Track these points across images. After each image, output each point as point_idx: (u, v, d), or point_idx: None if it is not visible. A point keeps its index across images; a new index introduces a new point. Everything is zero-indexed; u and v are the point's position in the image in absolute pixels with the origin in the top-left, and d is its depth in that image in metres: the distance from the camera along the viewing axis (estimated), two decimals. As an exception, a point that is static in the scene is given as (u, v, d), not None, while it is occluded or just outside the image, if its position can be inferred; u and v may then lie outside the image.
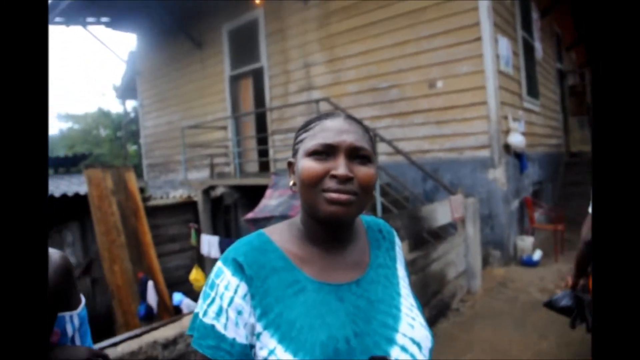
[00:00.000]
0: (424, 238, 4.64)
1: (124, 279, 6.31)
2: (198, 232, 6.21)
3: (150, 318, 5.68)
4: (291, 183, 0.96)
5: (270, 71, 7.84)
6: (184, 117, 9.35)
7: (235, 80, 8.56)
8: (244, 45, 8.25)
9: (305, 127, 0.95)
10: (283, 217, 3.91)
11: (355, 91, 6.68)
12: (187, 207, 7.53)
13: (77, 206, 6.97)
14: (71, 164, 9.95)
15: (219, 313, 0.84)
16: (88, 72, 53.66)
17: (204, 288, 0.91)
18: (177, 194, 7.51)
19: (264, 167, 8.03)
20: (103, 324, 7.11)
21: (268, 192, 4.38)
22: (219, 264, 0.90)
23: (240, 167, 7.53)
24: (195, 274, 6.01)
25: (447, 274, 4.39)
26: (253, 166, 8.28)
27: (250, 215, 4.16)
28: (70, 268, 1.38)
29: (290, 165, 0.98)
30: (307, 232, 0.94)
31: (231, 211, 7.62)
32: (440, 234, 4.98)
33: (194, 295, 6.06)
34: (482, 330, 3.83)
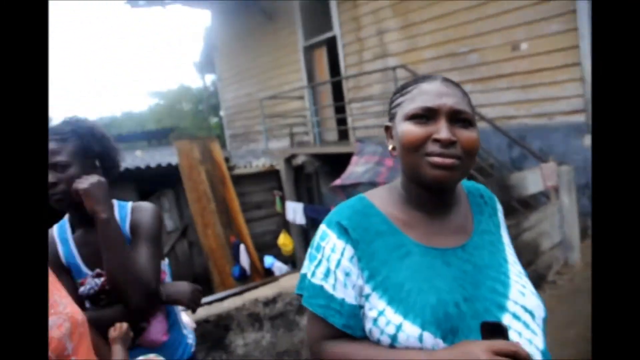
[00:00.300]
0: (513, 207, 4.56)
1: (217, 243, 6.80)
2: (282, 199, 6.52)
3: (244, 278, 6.13)
4: (390, 147, 0.95)
5: (344, 39, 7.83)
6: (262, 88, 9.63)
7: (309, 50, 8.64)
8: (316, 15, 8.27)
9: (401, 90, 0.94)
10: (370, 183, 4.01)
11: (433, 57, 6.53)
12: (270, 175, 7.87)
13: (170, 175, 7.54)
14: (162, 137, 10.72)
15: (326, 274, 0.87)
16: (170, 50, 56.40)
17: (309, 250, 0.94)
18: (259, 163, 7.88)
19: (343, 135, 8.15)
20: (201, 283, 7.73)
21: (354, 159, 4.50)
22: (323, 227, 0.92)
23: (320, 135, 7.70)
24: (283, 239, 6.36)
25: (540, 244, 4.27)
26: (332, 135, 8.42)
27: (337, 182, 4.32)
28: (162, 218, 1.55)
29: (388, 129, 0.97)
30: (408, 196, 0.93)
31: (312, 179, 7.87)
32: (531, 203, 4.85)
33: (282, 258, 6.45)
34: (585, 306, 3.51)
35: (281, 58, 9.17)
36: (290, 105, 8.90)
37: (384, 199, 0.94)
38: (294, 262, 7.05)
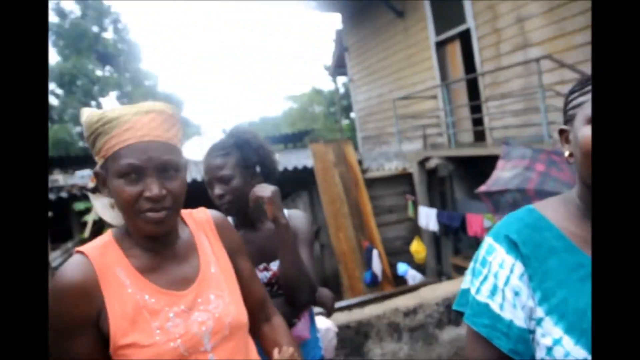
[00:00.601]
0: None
1: (349, 246, 6.91)
2: (415, 204, 6.40)
3: (375, 285, 6.14)
4: (567, 154, 0.87)
5: (478, 32, 7.37)
6: (394, 88, 9.55)
7: (441, 46, 8.32)
8: (448, 8, 7.92)
9: (581, 88, 0.83)
10: (519, 190, 3.70)
11: (585, 42, 5.78)
12: (402, 178, 7.78)
13: (305, 177, 7.88)
14: (297, 140, 11.31)
15: (493, 292, 0.81)
16: (303, 56, 59.74)
17: (472, 264, 0.88)
18: (392, 166, 7.85)
19: (479, 136, 7.70)
20: (331, 286, 8.00)
21: (500, 163, 4.17)
22: (489, 240, 0.86)
23: (454, 137, 7.39)
24: (416, 246, 6.24)
25: None
26: (467, 136, 8.00)
27: (482, 188, 4.06)
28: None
29: (563, 133, 0.87)
30: (587, 209, 0.83)
31: (446, 183, 7.59)
32: None
33: (414, 266, 6.32)
34: None
35: (413, 56, 9.00)
36: (423, 106, 8.67)
37: (558, 212, 0.85)
38: (423, 270, 6.85)
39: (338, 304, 4.22)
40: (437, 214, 6.04)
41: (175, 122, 1.04)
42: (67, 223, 7.30)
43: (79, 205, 6.85)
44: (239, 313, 1.08)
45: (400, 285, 5.72)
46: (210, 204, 1.61)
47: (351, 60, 11.19)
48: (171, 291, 1.00)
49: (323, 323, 3.10)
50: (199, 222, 1.16)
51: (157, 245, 1.04)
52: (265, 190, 1.44)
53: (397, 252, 7.19)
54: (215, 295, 1.05)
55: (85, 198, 6.90)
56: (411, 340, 3.42)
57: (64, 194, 7.01)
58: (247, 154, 1.55)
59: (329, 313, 1.75)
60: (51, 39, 19.13)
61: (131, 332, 0.93)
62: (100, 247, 1.01)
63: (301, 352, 1.37)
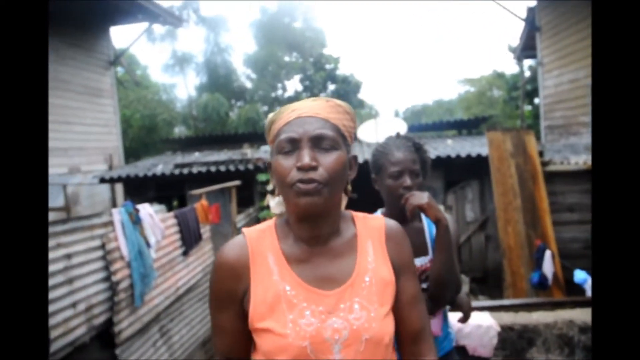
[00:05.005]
0: None
1: (516, 241, 6.42)
2: (605, 205, 5.53)
3: (543, 288, 5.57)
4: None
5: None
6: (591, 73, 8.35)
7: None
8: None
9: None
10: None
11: None
12: (590, 175, 6.84)
13: (478, 166, 7.50)
14: (472, 126, 10.70)
15: None
16: (485, 37, 56.10)
17: None
18: (579, 160, 6.92)
19: None
20: (492, 279, 7.53)
21: None
22: None
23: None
24: (601, 252, 5.41)
25: None
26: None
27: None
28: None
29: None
30: None
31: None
32: None
33: (596, 274, 5.51)
34: None
35: (622, 35, 7.68)
36: (628, 92, 7.37)
37: None
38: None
39: (502, 302, 3.97)
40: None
41: (343, 112, 1.04)
42: (251, 191, 8.20)
43: (262, 177, 7.67)
44: (382, 331, 0.96)
45: (573, 294, 5.07)
46: (368, 187, 1.71)
47: (543, 42, 10.07)
48: (314, 288, 0.97)
49: (486, 320, 2.96)
50: (370, 227, 1.08)
51: (310, 235, 1.01)
52: (421, 198, 1.51)
53: (573, 256, 6.35)
54: (361, 306, 0.97)
55: (267, 170, 7.66)
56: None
57: (250, 166, 7.91)
58: (423, 157, 1.68)
59: (465, 318, 1.80)
60: (252, 32, 21.67)
61: (268, 318, 0.95)
62: (260, 230, 1.05)
63: None
